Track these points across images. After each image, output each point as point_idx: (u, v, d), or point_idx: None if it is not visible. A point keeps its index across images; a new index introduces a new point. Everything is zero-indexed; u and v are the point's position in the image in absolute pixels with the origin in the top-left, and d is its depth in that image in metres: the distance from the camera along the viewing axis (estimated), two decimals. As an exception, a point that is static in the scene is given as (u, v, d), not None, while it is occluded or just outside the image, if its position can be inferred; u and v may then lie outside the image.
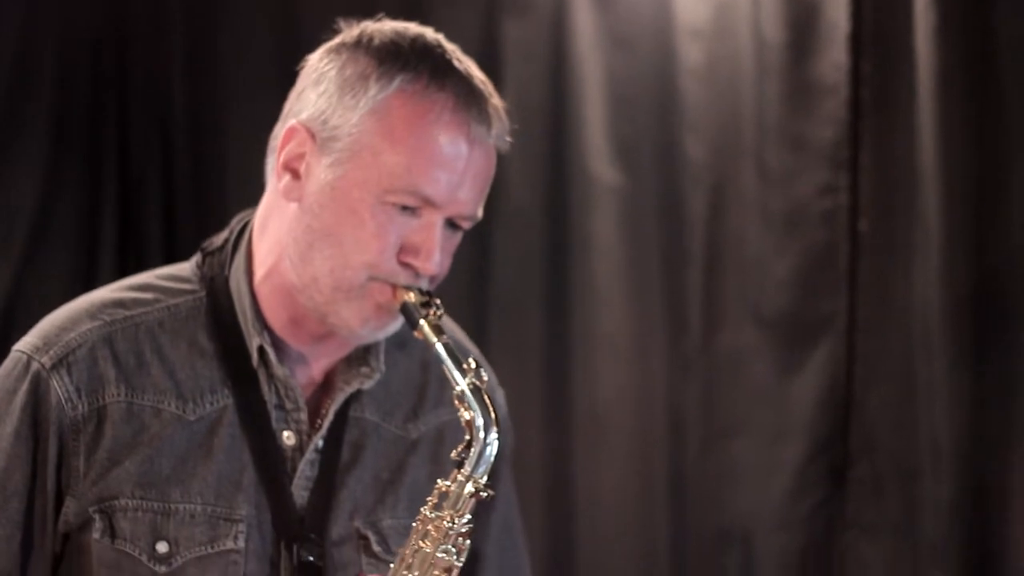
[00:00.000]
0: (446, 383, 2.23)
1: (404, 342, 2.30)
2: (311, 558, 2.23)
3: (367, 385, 2.30)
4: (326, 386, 2.31)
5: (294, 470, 2.26)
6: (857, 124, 3.74)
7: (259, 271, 2.27)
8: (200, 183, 3.90)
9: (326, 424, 2.27)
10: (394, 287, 2.19)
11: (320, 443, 2.27)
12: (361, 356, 2.30)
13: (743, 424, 3.77)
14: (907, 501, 3.66)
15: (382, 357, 2.31)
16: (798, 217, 3.75)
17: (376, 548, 2.28)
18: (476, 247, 3.80)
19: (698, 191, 3.81)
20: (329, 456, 2.27)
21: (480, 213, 2.22)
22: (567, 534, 3.79)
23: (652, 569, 3.81)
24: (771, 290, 3.76)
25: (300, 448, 2.27)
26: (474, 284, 3.83)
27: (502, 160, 2.22)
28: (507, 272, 3.86)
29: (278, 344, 2.27)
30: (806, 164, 3.75)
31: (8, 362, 2.25)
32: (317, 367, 2.30)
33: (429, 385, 2.37)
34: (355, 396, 2.31)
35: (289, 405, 2.27)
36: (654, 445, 3.82)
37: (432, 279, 2.21)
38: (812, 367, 3.71)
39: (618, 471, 3.84)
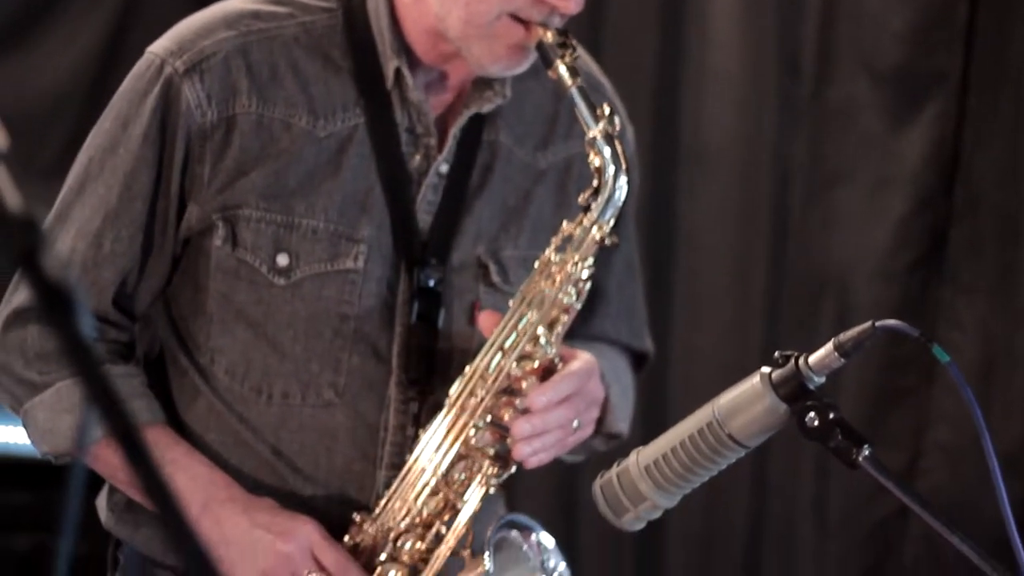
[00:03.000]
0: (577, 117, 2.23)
1: (538, 71, 2.26)
2: (430, 283, 2.25)
3: (486, 108, 2.29)
4: (453, 111, 2.30)
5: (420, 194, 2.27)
6: None
7: None
8: None
9: (447, 147, 2.27)
10: (527, 25, 2.17)
11: (444, 168, 2.27)
12: (487, 81, 2.29)
13: (848, 174, 3.76)
14: (1006, 263, 3.66)
15: (509, 83, 2.29)
16: (918, -29, 3.70)
17: (495, 278, 2.30)
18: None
19: (820, -59, 3.76)
20: (456, 180, 2.28)
21: None
22: (666, 269, 3.83)
23: (747, 311, 3.85)
24: (886, 43, 3.72)
25: (425, 172, 2.27)
26: (589, 13, 3.81)
27: None
28: (624, 3, 3.84)
29: (413, 68, 2.26)
30: (929, -81, 3.69)
31: (141, 64, 2.26)
32: (448, 93, 2.29)
33: (560, 116, 2.36)
34: (489, 120, 2.31)
35: (420, 129, 2.27)
36: (758, 189, 3.83)
37: (563, 17, 2.19)
38: (922, 122, 3.69)
39: (720, 212, 3.86)
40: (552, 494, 3.81)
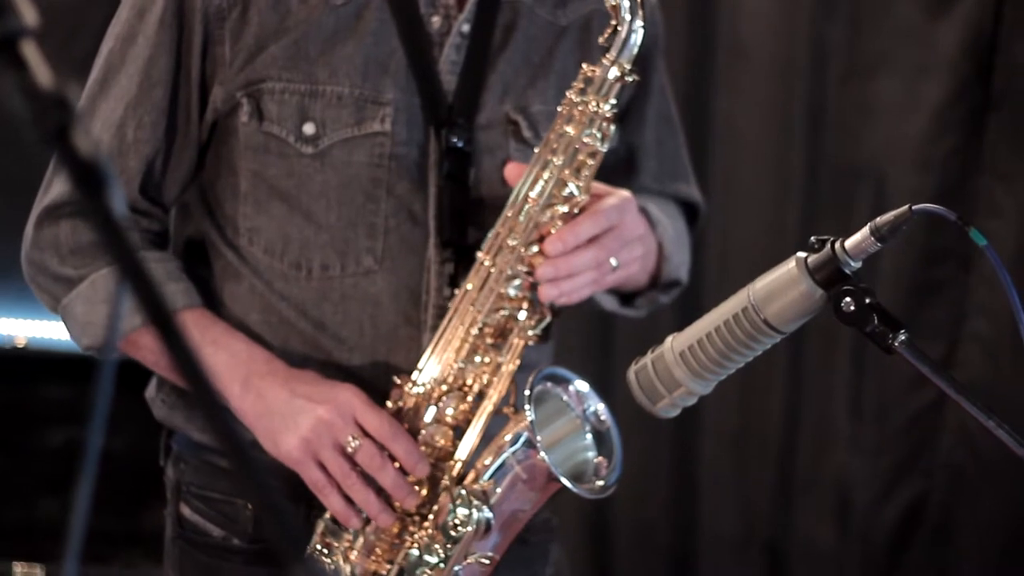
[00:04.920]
0: None
1: None
2: (459, 143, 2.25)
3: None
4: None
5: (442, 55, 2.27)
6: None
7: None
8: None
9: (467, 7, 2.27)
10: None
11: (466, 28, 2.27)
12: None
13: (885, 61, 3.73)
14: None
15: None
16: None
17: (526, 134, 2.30)
18: None
19: None
20: (479, 39, 2.27)
21: None
22: (703, 159, 3.80)
23: (783, 200, 3.84)
24: (923, -72, 3.67)
25: (447, 33, 2.27)
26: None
27: None
28: None
29: None
30: None
31: None
32: None
33: None
34: None
35: None
36: (794, 77, 3.81)
37: None
38: (959, 9, 3.64)
39: (757, 102, 3.83)
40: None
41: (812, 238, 1.82)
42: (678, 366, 1.87)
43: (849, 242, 1.80)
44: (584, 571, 4.00)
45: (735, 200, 3.86)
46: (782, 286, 1.83)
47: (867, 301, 1.79)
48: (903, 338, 1.79)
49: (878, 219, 1.78)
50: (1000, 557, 3.70)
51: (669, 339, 1.89)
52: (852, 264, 1.80)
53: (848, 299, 1.80)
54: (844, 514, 3.84)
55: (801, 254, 1.82)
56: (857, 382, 3.80)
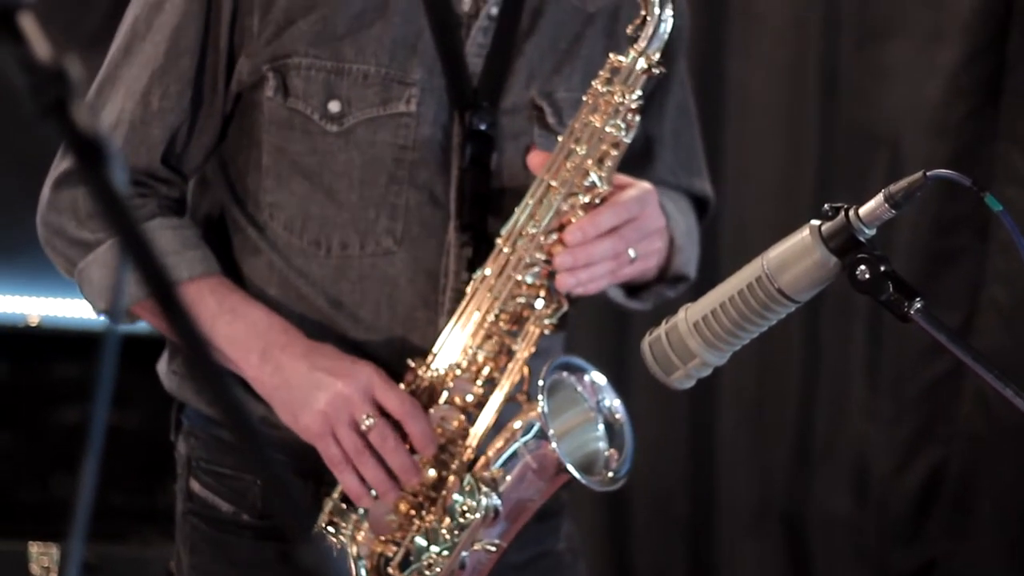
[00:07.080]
0: None
1: None
2: (483, 127, 2.24)
3: None
4: None
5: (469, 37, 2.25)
6: None
7: None
8: None
9: None
10: None
11: (494, 11, 2.25)
12: None
13: (900, 25, 3.70)
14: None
15: None
16: None
17: (550, 120, 2.28)
18: None
19: None
20: (506, 23, 2.25)
21: None
22: (716, 125, 3.78)
23: (798, 167, 3.82)
24: None
25: (475, 15, 2.25)
26: None
27: None
28: None
29: None
30: None
31: None
32: None
33: None
34: None
35: None
36: (809, 41, 3.78)
37: None
38: (973, -29, 3.62)
39: (771, 66, 3.81)
40: (601, 357, 3.81)
41: (826, 205, 1.81)
42: (692, 337, 1.86)
43: (863, 209, 1.79)
44: (601, 543, 3.99)
45: (749, 166, 3.84)
46: (796, 254, 1.81)
47: (882, 269, 1.78)
48: (919, 306, 1.78)
49: (892, 186, 1.77)
50: (1019, 525, 3.69)
51: (683, 310, 1.88)
52: (866, 231, 1.79)
53: (863, 267, 1.78)
54: (862, 484, 3.83)
55: (815, 222, 1.81)
56: (874, 351, 3.78)
